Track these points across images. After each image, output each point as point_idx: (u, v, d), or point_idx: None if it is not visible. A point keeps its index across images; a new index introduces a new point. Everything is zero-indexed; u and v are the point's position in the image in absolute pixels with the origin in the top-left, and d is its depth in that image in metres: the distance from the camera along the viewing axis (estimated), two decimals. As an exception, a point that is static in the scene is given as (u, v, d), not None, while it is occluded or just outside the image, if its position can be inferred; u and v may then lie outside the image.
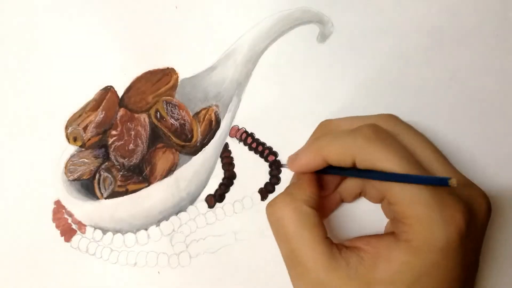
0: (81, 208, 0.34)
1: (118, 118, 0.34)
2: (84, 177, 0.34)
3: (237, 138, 0.34)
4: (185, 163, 0.34)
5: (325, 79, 0.34)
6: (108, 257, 0.34)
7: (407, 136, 0.29)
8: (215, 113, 0.34)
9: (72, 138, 0.34)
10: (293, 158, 0.30)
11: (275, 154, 0.34)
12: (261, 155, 0.34)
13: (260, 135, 0.34)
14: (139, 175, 0.34)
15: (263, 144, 0.34)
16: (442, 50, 0.34)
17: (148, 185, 0.34)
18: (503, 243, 0.34)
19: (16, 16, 0.34)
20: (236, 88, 0.34)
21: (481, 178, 0.33)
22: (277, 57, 0.34)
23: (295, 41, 0.34)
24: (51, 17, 0.34)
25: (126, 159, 0.34)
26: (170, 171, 0.34)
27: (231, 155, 0.34)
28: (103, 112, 0.34)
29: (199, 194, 0.34)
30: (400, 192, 0.26)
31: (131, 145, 0.34)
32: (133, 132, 0.34)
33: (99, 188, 0.34)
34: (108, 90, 0.34)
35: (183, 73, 0.34)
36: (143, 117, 0.34)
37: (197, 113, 0.34)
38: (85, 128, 0.34)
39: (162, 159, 0.34)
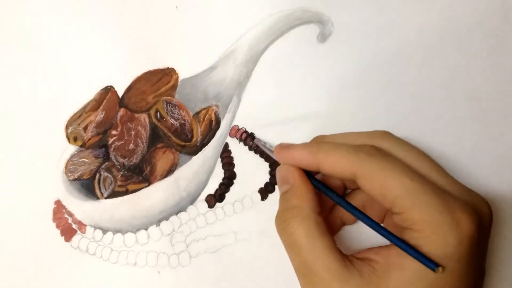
0: (81, 208, 0.34)
1: (118, 118, 0.34)
2: (84, 177, 0.34)
3: (237, 138, 0.34)
4: (185, 163, 0.34)
5: (325, 79, 0.34)
6: (108, 257, 0.34)
7: (402, 150, 0.29)
8: (215, 113, 0.34)
9: (72, 138, 0.34)
10: (285, 146, 0.30)
11: (275, 154, 0.34)
12: (261, 155, 0.34)
13: (260, 135, 0.34)
14: (139, 175, 0.34)
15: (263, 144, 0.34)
16: (442, 50, 0.34)
17: (148, 185, 0.34)
18: (503, 244, 0.34)
19: (17, 17, 0.34)
20: (236, 88, 0.34)
21: (480, 179, 0.33)
22: (277, 57, 0.34)
23: (295, 41, 0.34)
24: (51, 18, 0.34)
25: (126, 159, 0.34)
26: (170, 171, 0.34)
27: (231, 155, 0.34)
28: (103, 112, 0.34)
29: (199, 194, 0.34)
30: (408, 199, 0.26)
31: (131, 145, 0.34)
32: (133, 132, 0.34)
33: (99, 188, 0.34)
34: (108, 90, 0.34)
35: (183, 73, 0.34)
36: (143, 117, 0.34)
37: (197, 113, 0.34)
38: (85, 128, 0.34)
39: (162, 159, 0.34)
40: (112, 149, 0.34)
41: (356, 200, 0.31)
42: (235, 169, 0.34)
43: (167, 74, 0.34)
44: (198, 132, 0.34)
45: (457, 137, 0.34)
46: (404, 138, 0.33)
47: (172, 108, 0.34)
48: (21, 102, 0.34)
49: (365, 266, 0.27)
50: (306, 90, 0.34)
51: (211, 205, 0.34)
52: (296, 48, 0.34)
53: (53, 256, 0.34)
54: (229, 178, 0.34)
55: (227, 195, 0.34)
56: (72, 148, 0.34)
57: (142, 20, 0.34)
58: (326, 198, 0.30)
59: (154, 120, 0.34)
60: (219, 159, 0.34)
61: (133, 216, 0.34)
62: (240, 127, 0.34)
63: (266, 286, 0.34)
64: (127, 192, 0.34)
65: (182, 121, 0.34)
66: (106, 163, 0.34)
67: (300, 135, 0.34)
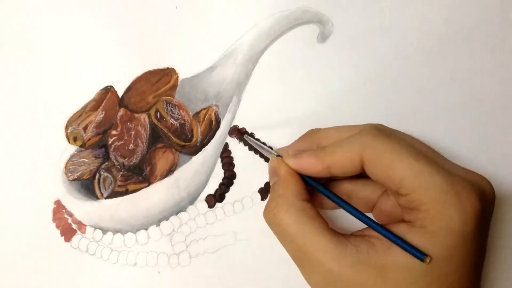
0: (81, 208, 0.34)
1: (118, 118, 0.34)
2: (84, 177, 0.34)
3: (237, 138, 0.34)
4: (185, 163, 0.34)
5: (325, 79, 0.34)
6: (108, 257, 0.34)
7: (399, 136, 0.29)
8: (215, 113, 0.34)
9: (72, 138, 0.34)
10: (296, 155, 0.30)
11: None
12: (261, 155, 0.34)
13: (260, 135, 0.34)
14: (139, 175, 0.34)
15: (263, 144, 0.34)
16: (442, 50, 0.34)
17: (148, 185, 0.34)
18: (503, 241, 0.34)
19: (17, 16, 0.34)
20: (236, 88, 0.34)
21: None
22: (277, 57, 0.34)
23: (295, 41, 0.34)
24: (51, 17, 0.34)
25: (126, 159, 0.34)
26: (170, 171, 0.34)
27: (231, 155, 0.34)
28: (103, 112, 0.34)
29: (199, 194, 0.34)
30: (415, 180, 0.26)
31: (131, 145, 0.34)
32: (133, 132, 0.34)
33: (99, 188, 0.34)
34: (108, 90, 0.34)
35: (183, 73, 0.34)
36: (143, 117, 0.34)
37: (197, 113, 0.34)
38: (85, 128, 0.34)
39: (162, 159, 0.34)
40: (112, 149, 0.34)
41: (342, 189, 0.31)
42: (235, 169, 0.34)
43: (167, 74, 0.34)
44: (198, 132, 0.34)
45: (457, 137, 0.34)
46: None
47: (172, 108, 0.34)
48: (21, 102, 0.34)
49: (364, 241, 0.27)
50: (306, 90, 0.34)
51: (211, 205, 0.34)
52: (296, 48, 0.34)
53: (53, 256, 0.34)
54: (229, 178, 0.34)
55: (227, 195, 0.34)
56: (72, 148, 0.34)
57: (142, 20, 0.34)
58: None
59: (154, 120, 0.34)
60: (219, 159, 0.34)
61: (133, 216, 0.34)
62: (240, 127, 0.34)
63: (266, 286, 0.34)
64: (127, 192, 0.34)
65: (182, 121, 0.34)
66: (106, 163, 0.34)
67: (300, 135, 0.34)
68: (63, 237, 0.34)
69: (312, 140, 0.31)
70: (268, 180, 0.34)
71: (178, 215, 0.34)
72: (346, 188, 0.31)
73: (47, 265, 0.34)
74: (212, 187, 0.34)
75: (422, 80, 0.34)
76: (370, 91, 0.34)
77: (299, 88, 0.34)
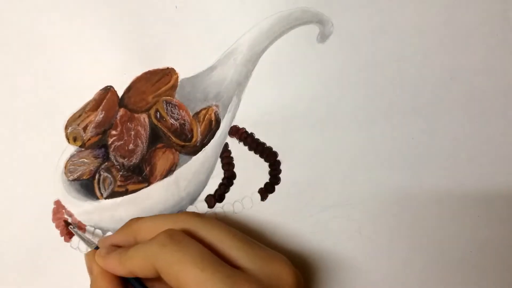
0: (81, 208, 0.34)
1: (118, 118, 0.34)
2: (84, 177, 0.34)
3: (237, 138, 0.34)
4: (185, 163, 0.34)
5: (325, 79, 0.34)
6: (108, 257, 0.34)
7: (206, 230, 0.29)
8: (215, 113, 0.34)
9: (72, 138, 0.34)
10: (103, 256, 0.30)
11: (275, 154, 0.34)
12: (261, 155, 0.34)
13: (260, 135, 0.34)
14: (139, 175, 0.34)
15: (263, 144, 0.34)
16: (442, 50, 0.34)
17: (148, 185, 0.34)
18: (503, 241, 0.34)
19: (17, 16, 0.34)
20: (236, 88, 0.34)
21: (480, 179, 0.33)
22: (277, 57, 0.34)
23: (295, 41, 0.34)
24: (51, 17, 0.34)
25: (126, 159, 0.34)
26: (170, 171, 0.34)
27: (231, 155, 0.34)
28: (103, 112, 0.34)
29: (199, 194, 0.34)
30: (193, 282, 0.26)
31: (131, 145, 0.34)
32: (133, 132, 0.34)
33: (99, 188, 0.34)
34: (108, 90, 0.34)
35: (183, 73, 0.34)
36: (143, 117, 0.34)
37: (197, 113, 0.34)
38: (85, 128, 0.34)
39: (162, 159, 0.34)
40: (111, 149, 0.34)
41: None
42: (235, 169, 0.34)
43: (167, 74, 0.34)
44: (198, 132, 0.34)
45: (457, 137, 0.34)
46: (404, 138, 0.33)
47: (172, 108, 0.34)
48: (20, 102, 0.34)
49: None
50: (306, 90, 0.34)
51: (211, 205, 0.34)
52: (296, 48, 0.34)
53: (53, 256, 0.34)
54: (229, 178, 0.34)
55: (227, 195, 0.34)
56: (71, 148, 0.34)
57: (142, 20, 0.34)
58: None
59: (154, 120, 0.34)
60: (219, 159, 0.34)
61: (133, 216, 0.34)
62: (240, 127, 0.34)
63: (266, 286, 0.34)
64: (126, 192, 0.34)
65: (182, 121, 0.34)
66: (106, 163, 0.34)
67: (300, 135, 0.34)
68: (63, 237, 0.34)
69: (129, 232, 0.31)
70: (268, 180, 0.34)
71: (178, 215, 0.34)
72: None
73: (47, 265, 0.34)
74: (212, 187, 0.34)
75: (422, 80, 0.34)
76: (370, 91, 0.34)
77: (299, 88, 0.34)
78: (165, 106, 0.34)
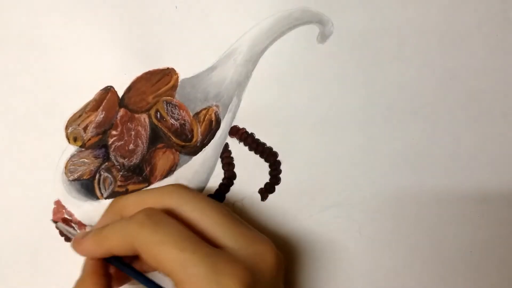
0: (81, 208, 0.34)
1: (118, 118, 0.34)
2: (84, 177, 0.34)
3: (237, 138, 0.34)
4: (185, 163, 0.34)
5: (325, 79, 0.34)
6: (108, 257, 0.34)
7: (189, 206, 0.29)
8: (215, 113, 0.34)
9: (72, 138, 0.34)
10: (78, 241, 0.29)
11: (275, 154, 0.34)
12: (261, 155, 0.34)
13: (260, 135, 0.34)
14: (139, 175, 0.34)
15: (263, 144, 0.34)
16: (442, 50, 0.34)
17: (149, 185, 0.34)
18: (503, 241, 0.34)
19: (17, 16, 0.34)
20: (236, 88, 0.34)
21: (480, 179, 0.33)
22: (277, 57, 0.34)
23: (295, 41, 0.34)
24: (51, 17, 0.34)
25: (126, 159, 0.34)
26: (170, 171, 0.34)
27: (231, 155, 0.34)
28: (103, 112, 0.34)
29: (199, 194, 0.34)
30: (180, 272, 0.26)
31: (131, 145, 0.34)
32: (133, 132, 0.34)
33: (99, 188, 0.34)
34: (108, 90, 0.34)
35: (183, 73, 0.34)
36: (143, 117, 0.34)
37: (197, 113, 0.34)
38: (85, 128, 0.34)
39: (162, 159, 0.34)
40: (112, 149, 0.34)
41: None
42: (235, 169, 0.34)
43: (167, 74, 0.34)
44: (198, 132, 0.34)
45: (457, 137, 0.34)
46: (403, 138, 0.33)
47: (172, 108, 0.34)
48: (21, 102, 0.34)
49: None
50: (306, 90, 0.34)
51: (211, 205, 0.34)
52: (296, 48, 0.34)
53: (53, 256, 0.34)
54: (229, 178, 0.34)
55: (227, 195, 0.34)
56: (72, 148, 0.34)
57: (142, 20, 0.34)
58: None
59: (154, 120, 0.34)
60: (219, 159, 0.34)
61: (133, 216, 0.34)
62: (240, 127, 0.34)
63: (266, 286, 0.34)
64: (127, 193, 0.34)
65: (182, 121, 0.34)
66: (106, 163, 0.34)
67: (300, 135, 0.34)
68: (63, 237, 0.34)
69: (114, 211, 0.31)
70: (268, 181, 0.34)
71: (178, 215, 0.34)
72: None
73: (47, 265, 0.34)
74: (212, 187, 0.34)
75: (422, 80, 0.34)
76: (370, 91, 0.34)
77: (299, 88, 0.34)
78: (165, 106, 0.34)
